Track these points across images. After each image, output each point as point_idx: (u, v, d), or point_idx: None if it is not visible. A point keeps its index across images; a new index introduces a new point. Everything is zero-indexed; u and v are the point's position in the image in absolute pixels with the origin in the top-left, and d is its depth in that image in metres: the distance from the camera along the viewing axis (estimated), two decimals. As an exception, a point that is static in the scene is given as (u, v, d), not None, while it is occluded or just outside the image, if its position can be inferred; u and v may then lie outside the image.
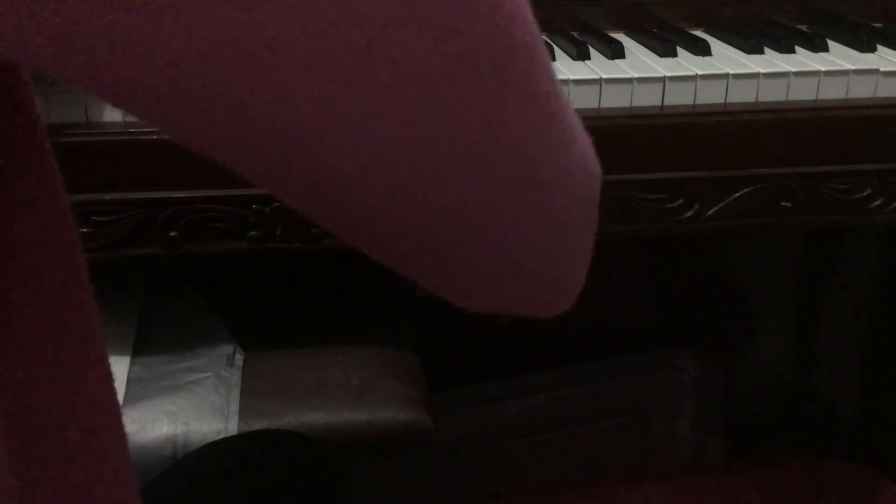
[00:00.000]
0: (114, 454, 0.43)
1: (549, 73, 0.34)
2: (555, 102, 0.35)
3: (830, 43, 0.94)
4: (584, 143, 0.37)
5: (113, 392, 0.43)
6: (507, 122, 0.33)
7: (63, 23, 0.28)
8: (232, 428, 0.85)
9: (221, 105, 0.30)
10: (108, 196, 0.80)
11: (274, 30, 0.29)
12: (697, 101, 0.85)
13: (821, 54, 0.91)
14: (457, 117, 0.32)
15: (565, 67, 0.86)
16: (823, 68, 0.86)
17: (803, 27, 1.02)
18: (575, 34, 0.96)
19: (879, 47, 0.93)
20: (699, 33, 0.98)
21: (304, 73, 0.30)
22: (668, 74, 0.84)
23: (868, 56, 0.91)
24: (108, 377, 0.43)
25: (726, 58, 0.90)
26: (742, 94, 0.85)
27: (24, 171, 0.37)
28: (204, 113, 0.30)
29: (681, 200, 0.85)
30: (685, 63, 0.88)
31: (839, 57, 0.90)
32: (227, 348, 0.95)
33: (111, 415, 0.43)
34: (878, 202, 0.87)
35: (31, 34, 0.28)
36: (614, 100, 0.84)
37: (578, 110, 0.88)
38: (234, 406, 0.87)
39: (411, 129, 0.31)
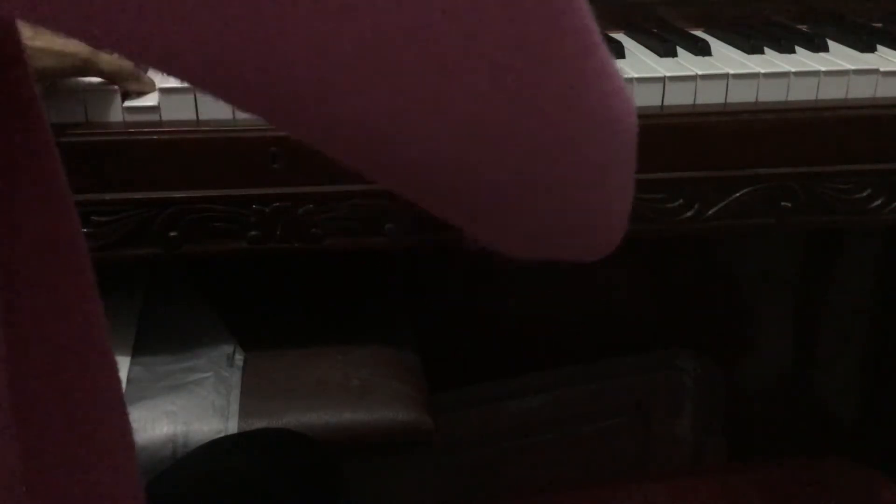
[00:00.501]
0: (119, 448, 0.43)
1: (587, 9, 0.35)
2: (595, 36, 0.35)
3: (830, 43, 0.94)
4: (620, 81, 0.37)
5: (119, 389, 0.43)
6: (554, 51, 0.33)
7: None
8: (232, 428, 0.85)
9: (264, 65, 0.30)
10: (108, 196, 0.80)
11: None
12: (697, 101, 0.85)
13: (821, 54, 0.91)
14: (507, 49, 0.31)
15: (565, 67, 0.86)
16: (823, 68, 0.86)
17: (803, 27, 1.02)
18: (575, 34, 0.96)
19: (879, 47, 0.93)
20: (699, 33, 0.98)
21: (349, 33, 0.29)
22: (668, 74, 0.84)
23: (868, 56, 0.91)
24: (114, 374, 0.43)
25: (726, 58, 0.90)
26: (742, 94, 0.85)
27: (30, 169, 0.38)
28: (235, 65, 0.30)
29: (681, 200, 0.85)
30: (685, 63, 0.88)
31: (839, 57, 0.90)
32: (227, 348, 0.95)
33: (117, 410, 0.43)
34: (878, 202, 0.87)
35: None
36: (614, 100, 0.84)
37: (578, 110, 0.86)
38: (234, 406, 0.87)
39: (464, 64, 0.31)
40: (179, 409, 0.86)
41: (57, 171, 0.39)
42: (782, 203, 0.86)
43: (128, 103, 0.80)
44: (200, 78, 0.31)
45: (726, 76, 0.85)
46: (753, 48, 0.91)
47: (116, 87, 0.80)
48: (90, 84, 0.80)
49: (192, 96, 0.80)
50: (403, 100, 0.31)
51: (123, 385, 0.88)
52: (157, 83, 0.82)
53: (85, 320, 0.41)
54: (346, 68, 0.30)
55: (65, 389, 0.40)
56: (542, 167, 0.35)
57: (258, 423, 0.86)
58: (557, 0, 0.32)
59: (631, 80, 0.84)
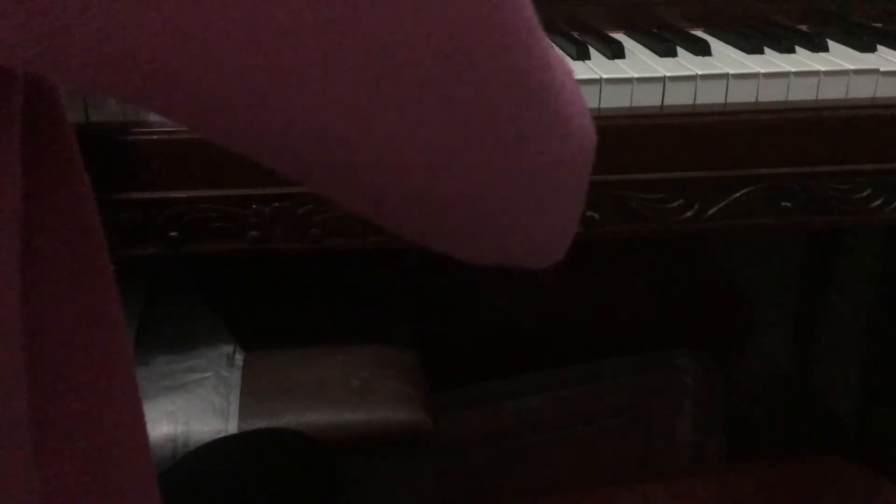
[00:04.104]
0: (132, 442, 0.43)
1: (545, 61, 0.37)
2: (549, 89, 0.37)
3: (830, 43, 0.94)
4: (579, 117, 0.40)
5: (136, 392, 0.43)
6: (505, 114, 0.36)
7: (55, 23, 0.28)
8: (232, 428, 0.85)
9: (238, 97, 0.31)
10: (108, 196, 0.80)
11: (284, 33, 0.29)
12: (697, 101, 0.85)
13: (821, 54, 0.91)
14: (459, 110, 0.34)
15: (565, 67, 0.86)
16: (823, 68, 0.86)
17: (803, 27, 1.02)
18: (575, 34, 0.96)
19: (879, 47, 0.93)
20: (699, 33, 0.98)
21: (325, 79, 0.31)
22: (668, 74, 0.84)
23: (868, 56, 0.91)
24: (132, 381, 0.43)
25: (726, 58, 0.90)
26: (742, 94, 0.85)
27: (56, 169, 0.38)
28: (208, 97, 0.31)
29: (681, 200, 0.85)
30: (685, 63, 0.88)
31: (839, 57, 0.90)
32: (227, 348, 0.95)
33: (136, 416, 0.43)
34: (878, 202, 0.87)
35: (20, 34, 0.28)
36: (614, 100, 0.84)
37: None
38: (234, 406, 0.87)
39: (419, 123, 0.34)
40: (179, 409, 0.86)
41: (77, 167, 0.40)
42: (782, 203, 0.86)
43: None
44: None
45: (726, 76, 0.85)
46: (753, 48, 0.91)
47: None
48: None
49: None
50: (372, 131, 0.34)
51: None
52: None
53: (107, 333, 0.41)
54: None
55: (80, 384, 0.40)
56: (490, 195, 0.38)
57: (258, 423, 0.86)
58: (511, 64, 0.35)
59: (631, 80, 0.84)
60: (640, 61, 0.89)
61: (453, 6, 0.32)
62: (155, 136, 0.79)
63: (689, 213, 0.86)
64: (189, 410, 0.86)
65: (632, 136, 0.83)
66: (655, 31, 0.98)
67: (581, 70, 0.85)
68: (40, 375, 0.38)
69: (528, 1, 0.35)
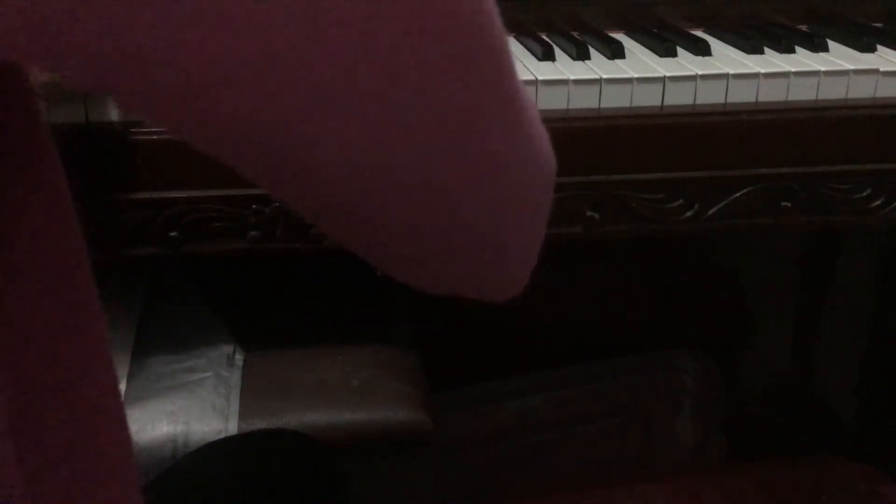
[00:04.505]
0: (118, 460, 0.43)
1: (515, 75, 0.36)
2: (519, 102, 0.37)
3: (830, 43, 0.94)
4: (543, 141, 0.39)
5: (116, 388, 0.43)
6: (479, 120, 0.35)
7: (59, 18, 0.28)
8: (232, 428, 0.85)
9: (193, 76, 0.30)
10: (108, 196, 0.80)
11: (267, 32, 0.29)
12: (697, 101, 0.85)
13: (821, 54, 0.91)
14: (431, 112, 0.33)
15: (565, 67, 0.86)
16: (823, 68, 0.86)
17: (803, 27, 1.02)
18: (575, 34, 0.96)
19: (879, 47, 0.93)
20: (699, 33, 0.98)
21: (303, 76, 0.30)
22: (668, 74, 0.84)
23: (868, 56, 0.91)
24: (111, 374, 0.43)
25: (726, 58, 0.90)
26: (742, 94, 0.85)
27: (28, 167, 0.38)
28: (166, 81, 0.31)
29: (681, 200, 0.85)
30: (685, 63, 0.88)
31: (839, 57, 0.90)
32: (227, 348, 0.95)
33: (115, 412, 0.43)
34: (878, 202, 0.87)
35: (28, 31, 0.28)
36: (614, 100, 0.84)
37: (579, 110, 0.87)
38: (234, 406, 0.87)
39: (394, 123, 0.33)
40: (179, 409, 0.86)
41: (59, 175, 0.39)
42: (782, 203, 0.86)
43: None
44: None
45: (726, 76, 0.85)
46: (753, 48, 0.91)
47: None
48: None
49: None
50: (335, 127, 0.33)
51: (123, 385, 0.88)
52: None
53: (84, 322, 0.41)
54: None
55: (63, 397, 0.40)
56: (449, 211, 0.37)
57: (258, 423, 0.86)
58: (489, 69, 0.34)
59: (631, 80, 0.84)
60: (640, 61, 0.89)
61: (438, 6, 0.32)
62: (155, 136, 0.79)
63: (689, 213, 0.86)
64: (189, 410, 0.86)
65: (632, 136, 0.83)
66: (655, 31, 0.98)
67: (581, 70, 0.85)
68: (15, 362, 0.38)
69: (498, 15, 0.35)
